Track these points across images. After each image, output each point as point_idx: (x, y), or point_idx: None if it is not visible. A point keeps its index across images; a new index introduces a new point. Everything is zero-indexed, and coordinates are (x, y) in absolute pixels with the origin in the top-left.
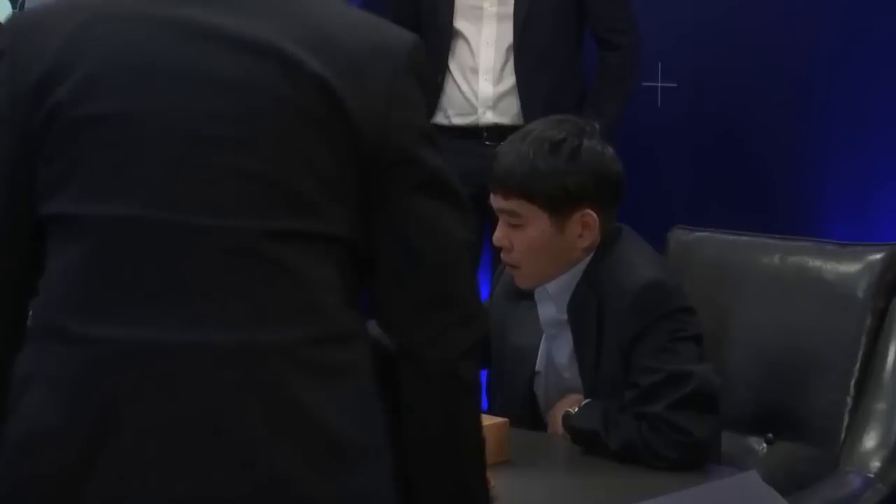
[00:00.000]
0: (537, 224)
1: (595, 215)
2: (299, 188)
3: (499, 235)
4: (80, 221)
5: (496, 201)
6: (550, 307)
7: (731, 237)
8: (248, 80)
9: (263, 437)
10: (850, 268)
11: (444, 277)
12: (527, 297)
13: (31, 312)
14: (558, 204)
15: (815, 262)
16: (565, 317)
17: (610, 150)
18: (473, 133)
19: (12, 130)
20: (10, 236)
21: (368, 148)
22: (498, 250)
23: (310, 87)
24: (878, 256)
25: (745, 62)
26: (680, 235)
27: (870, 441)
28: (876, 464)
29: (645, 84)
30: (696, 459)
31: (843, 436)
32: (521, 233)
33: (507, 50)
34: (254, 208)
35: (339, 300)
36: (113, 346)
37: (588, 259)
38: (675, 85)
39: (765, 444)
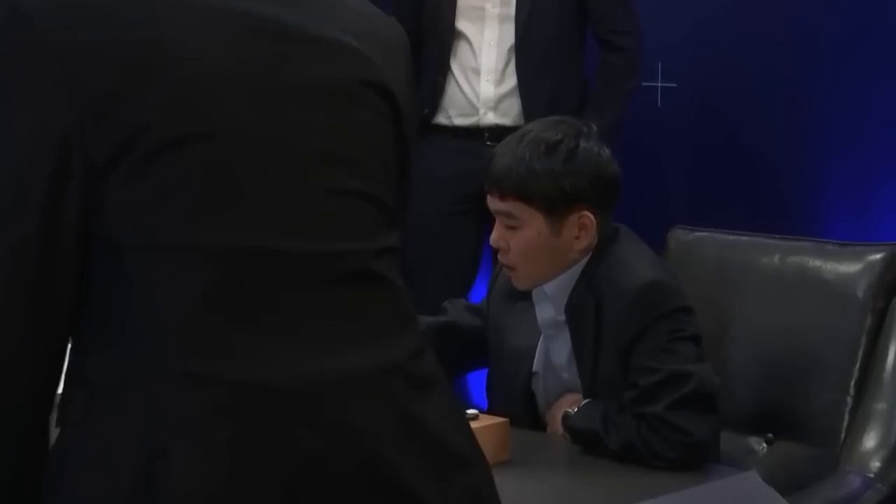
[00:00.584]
0: (534, 225)
1: (592, 216)
2: (387, 200)
3: (495, 237)
4: (189, 253)
5: (493, 202)
6: (548, 308)
7: (731, 237)
8: (338, 87)
9: (393, 454)
10: (850, 268)
11: None
12: (524, 297)
13: (108, 358)
14: (555, 205)
15: (815, 262)
16: (563, 318)
17: (606, 152)
18: (475, 134)
19: (79, 150)
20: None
21: (406, 144)
22: (497, 251)
23: (382, 90)
24: (878, 256)
25: (745, 62)
26: (680, 235)
27: (870, 441)
28: (876, 464)
29: (645, 84)
30: (695, 459)
31: (843, 436)
32: (517, 234)
33: (509, 51)
34: (366, 228)
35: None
36: (253, 385)
37: (585, 260)
38: (675, 85)
39: (765, 444)
